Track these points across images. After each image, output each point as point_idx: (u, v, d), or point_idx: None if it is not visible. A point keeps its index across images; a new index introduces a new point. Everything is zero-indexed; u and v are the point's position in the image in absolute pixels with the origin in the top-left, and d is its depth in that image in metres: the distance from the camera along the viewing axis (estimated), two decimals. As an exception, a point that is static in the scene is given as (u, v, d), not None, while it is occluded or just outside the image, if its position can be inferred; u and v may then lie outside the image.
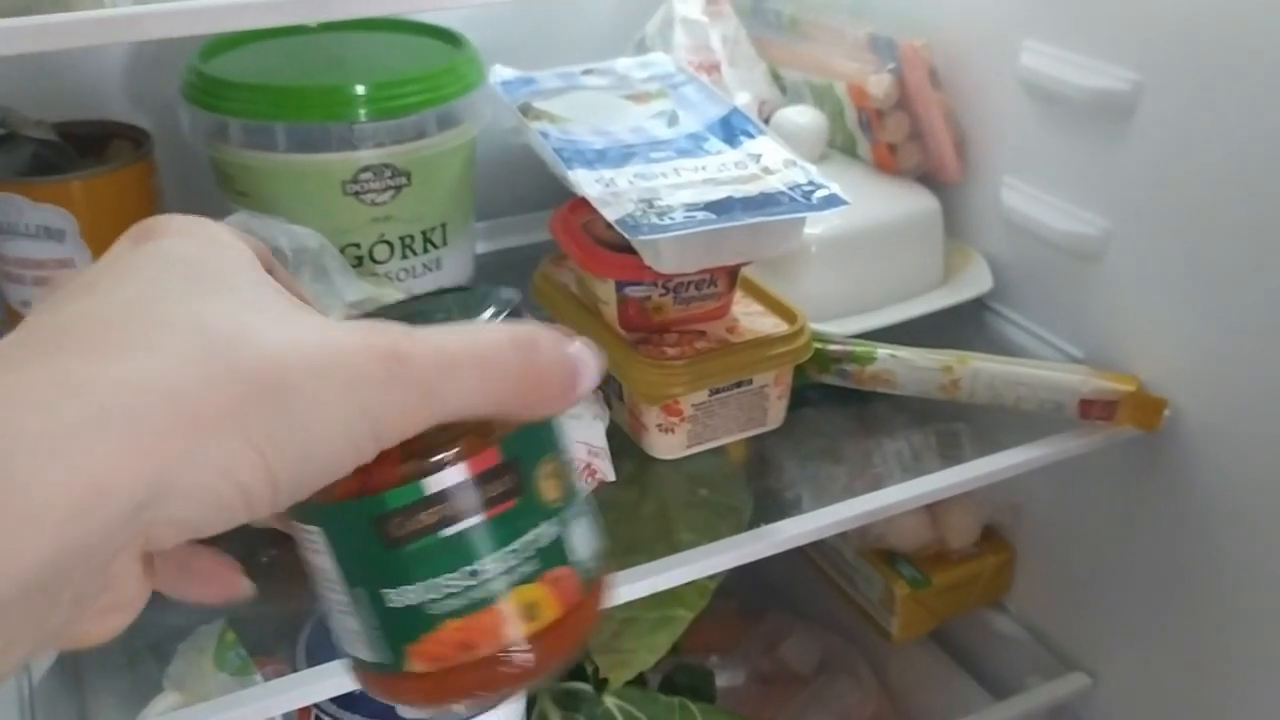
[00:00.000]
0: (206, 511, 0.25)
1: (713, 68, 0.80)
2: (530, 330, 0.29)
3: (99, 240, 0.64)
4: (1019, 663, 0.84)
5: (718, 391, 0.63)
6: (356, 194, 0.66)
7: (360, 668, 0.33)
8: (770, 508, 0.65)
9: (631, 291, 0.63)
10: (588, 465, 0.59)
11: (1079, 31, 0.69)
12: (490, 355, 0.28)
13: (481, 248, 0.81)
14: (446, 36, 0.74)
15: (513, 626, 0.32)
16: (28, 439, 0.22)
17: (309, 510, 0.31)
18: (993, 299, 0.79)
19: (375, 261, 0.68)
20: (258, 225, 0.57)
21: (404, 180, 0.66)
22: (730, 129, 0.68)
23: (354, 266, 0.66)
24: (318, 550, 0.32)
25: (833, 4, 0.85)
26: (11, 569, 0.22)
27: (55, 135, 0.67)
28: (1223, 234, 0.63)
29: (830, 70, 0.80)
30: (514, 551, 0.32)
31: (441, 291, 0.38)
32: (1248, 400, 0.64)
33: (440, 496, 0.31)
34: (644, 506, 0.65)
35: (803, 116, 0.79)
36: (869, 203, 0.76)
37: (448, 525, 0.31)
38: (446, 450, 0.31)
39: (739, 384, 0.63)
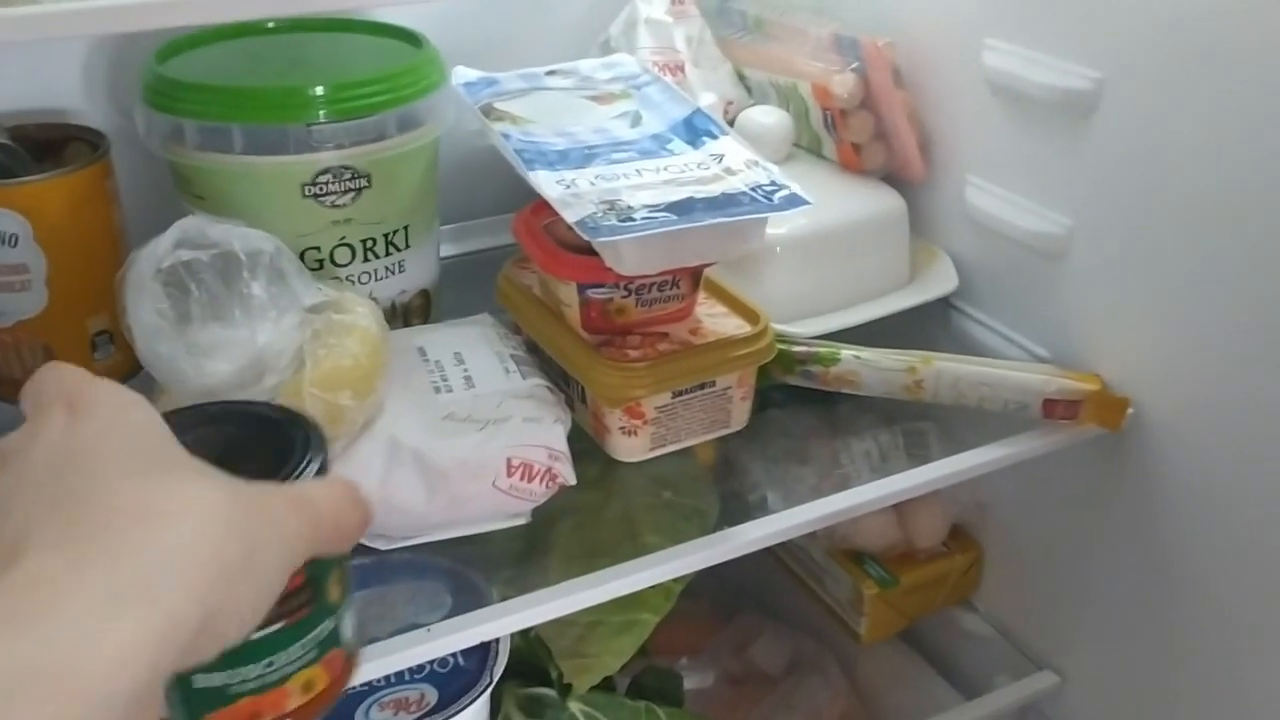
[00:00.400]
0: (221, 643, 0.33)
1: (677, 68, 0.80)
2: (348, 487, 0.38)
3: (54, 245, 0.63)
4: (988, 662, 0.84)
5: (681, 394, 0.62)
6: (316, 196, 0.65)
7: None
8: (737, 509, 0.65)
9: (593, 294, 0.62)
10: (548, 469, 0.58)
11: (1041, 30, 0.69)
12: (329, 514, 0.37)
13: (446, 250, 0.80)
14: (407, 37, 0.73)
15: (293, 699, 0.42)
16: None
17: None
18: (958, 298, 0.79)
19: (336, 265, 0.67)
20: (212, 229, 0.56)
21: (364, 182, 0.66)
22: (693, 130, 0.67)
23: (314, 270, 0.65)
24: None
25: (796, 4, 0.85)
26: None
27: (9, 139, 0.66)
28: (1185, 232, 0.63)
29: (795, 70, 0.79)
30: (303, 644, 0.41)
31: (247, 407, 0.46)
32: (1210, 398, 0.64)
33: None
34: (608, 509, 0.65)
35: (768, 116, 0.79)
36: (834, 202, 0.76)
37: (257, 630, 0.38)
38: None
39: (702, 386, 0.63)
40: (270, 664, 0.41)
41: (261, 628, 0.38)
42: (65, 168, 0.64)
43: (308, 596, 0.41)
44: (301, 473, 0.41)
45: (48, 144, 0.68)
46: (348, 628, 0.43)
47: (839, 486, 0.66)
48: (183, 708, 0.41)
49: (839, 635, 0.85)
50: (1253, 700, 0.67)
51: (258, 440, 0.43)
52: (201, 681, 0.40)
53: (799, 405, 0.74)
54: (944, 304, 0.79)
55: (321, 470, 0.41)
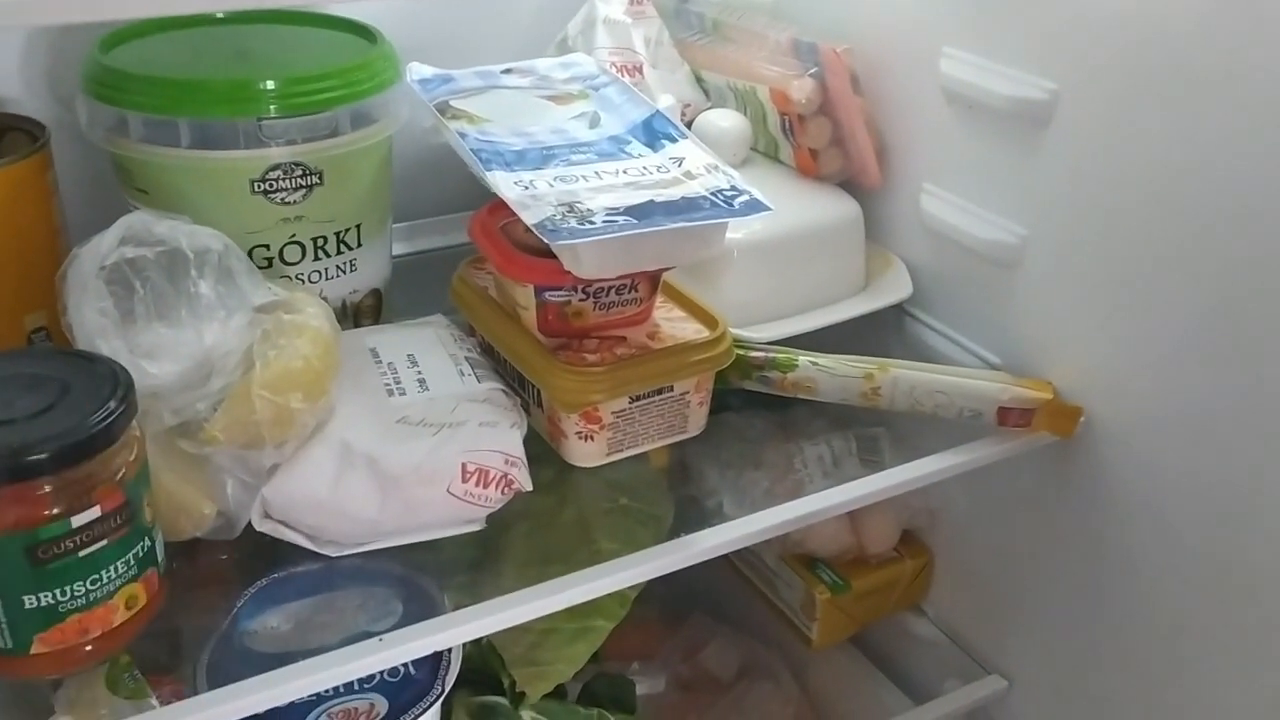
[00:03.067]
0: None
1: (635, 69, 0.79)
2: None
3: (-11, 238, 0.61)
4: (936, 666, 0.84)
5: (638, 399, 0.62)
6: (266, 193, 0.63)
7: None
8: (692, 515, 0.64)
9: (551, 296, 0.61)
10: (504, 475, 0.57)
11: (998, 40, 0.70)
12: None
13: (398, 249, 0.79)
14: (360, 31, 0.71)
15: (119, 614, 0.48)
16: None
17: None
18: (912, 304, 0.79)
19: (286, 263, 0.66)
20: (158, 225, 0.54)
21: (316, 179, 0.64)
22: (652, 132, 0.67)
23: (263, 268, 0.63)
24: None
25: (754, 8, 0.85)
26: None
27: (-59, 127, 0.63)
28: (1136, 242, 0.64)
29: (753, 74, 0.79)
30: (125, 561, 0.47)
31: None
32: (1158, 407, 0.65)
33: (83, 529, 0.45)
34: (563, 514, 0.64)
35: (726, 120, 0.79)
36: (791, 207, 0.76)
37: (84, 548, 0.45)
38: (88, 496, 0.45)
39: (660, 391, 0.63)
40: (96, 580, 0.46)
41: (86, 546, 0.45)
42: (4, 158, 0.62)
43: (127, 516, 0.47)
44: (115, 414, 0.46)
45: (-18, 133, 0.66)
46: (160, 549, 0.50)
47: (793, 491, 0.66)
48: (11, 630, 0.46)
49: (790, 640, 0.85)
50: (1196, 703, 0.68)
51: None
52: (30, 602, 0.45)
53: (753, 409, 0.74)
54: (898, 310, 0.79)
55: (129, 407, 0.47)
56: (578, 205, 0.57)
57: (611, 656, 0.82)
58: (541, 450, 0.63)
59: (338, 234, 0.67)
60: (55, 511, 0.45)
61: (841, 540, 0.82)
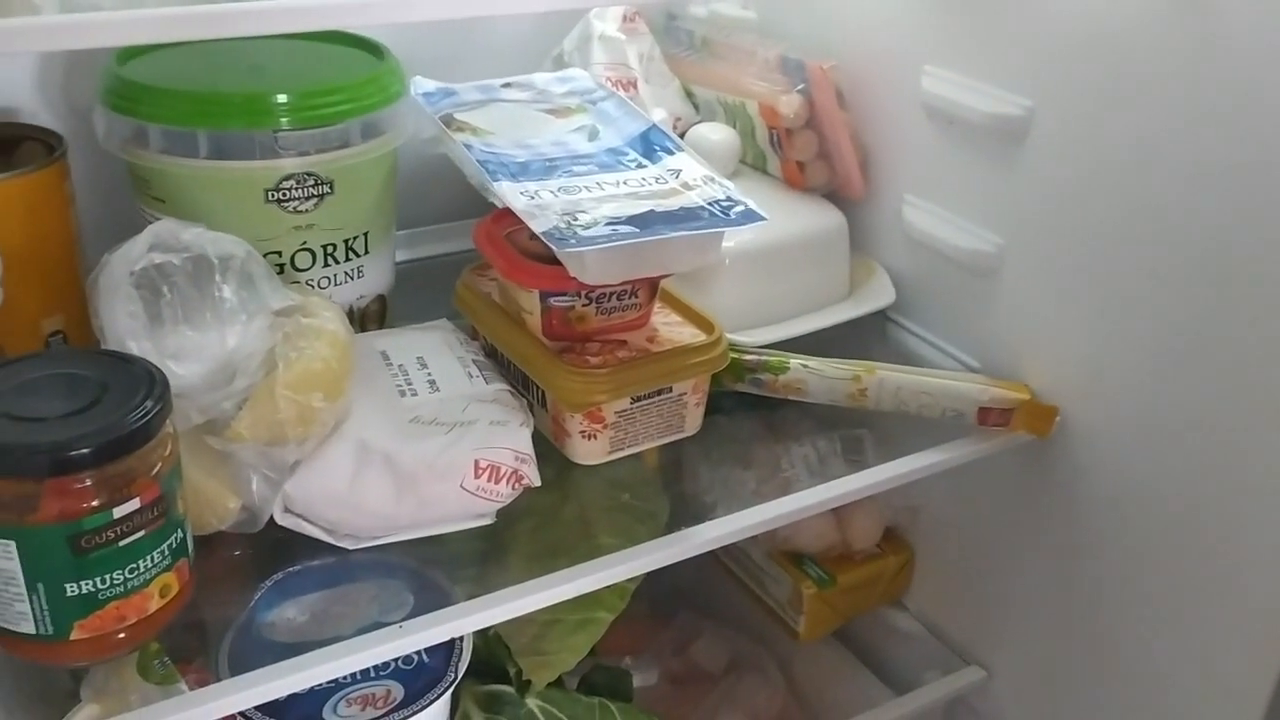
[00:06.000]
0: None
1: (630, 84, 0.82)
2: None
3: (10, 245, 0.62)
4: (918, 658, 0.88)
5: (639, 399, 0.65)
6: (279, 202, 0.66)
7: (15, 638, 0.49)
8: (685, 512, 0.67)
9: (556, 302, 0.64)
10: (515, 471, 0.60)
11: (977, 59, 0.73)
12: None
13: (399, 256, 0.81)
14: (366, 45, 0.74)
15: (153, 602, 0.51)
16: None
17: (2, 529, 0.46)
18: (894, 311, 0.83)
19: (297, 270, 0.68)
20: (184, 232, 0.57)
21: (327, 189, 0.66)
22: (649, 144, 0.70)
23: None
24: (5, 557, 0.47)
25: (742, 25, 0.88)
26: None
27: (-36, 138, 0.65)
28: (1110, 251, 0.68)
29: (742, 89, 0.82)
30: (160, 551, 0.50)
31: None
32: (1131, 407, 0.69)
33: (123, 520, 0.48)
34: (565, 511, 0.67)
35: (716, 133, 0.82)
36: (779, 218, 0.78)
37: (124, 538, 0.48)
38: (128, 489, 0.48)
39: (660, 391, 0.65)
40: (134, 568, 0.49)
41: (126, 536, 0.48)
42: (24, 168, 0.64)
43: (163, 508, 0.50)
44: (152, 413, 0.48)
45: (-1, 143, 0.68)
46: (189, 541, 0.53)
47: (780, 490, 0.69)
48: (52, 617, 0.48)
49: (777, 634, 0.88)
50: (1170, 693, 0.71)
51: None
52: (72, 590, 0.48)
53: (742, 411, 0.76)
54: (881, 316, 0.83)
55: (165, 405, 0.49)
56: (581, 215, 0.60)
57: (605, 651, 0.84)
58: (543, 449, 0.66)
59: (346, 241, 0.69)
60: (97, 503, 0.47)
61: (827, 537, 0.85)
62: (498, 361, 0.69)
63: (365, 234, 0.70)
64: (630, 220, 0.60)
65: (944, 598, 0.87)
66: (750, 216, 0.62)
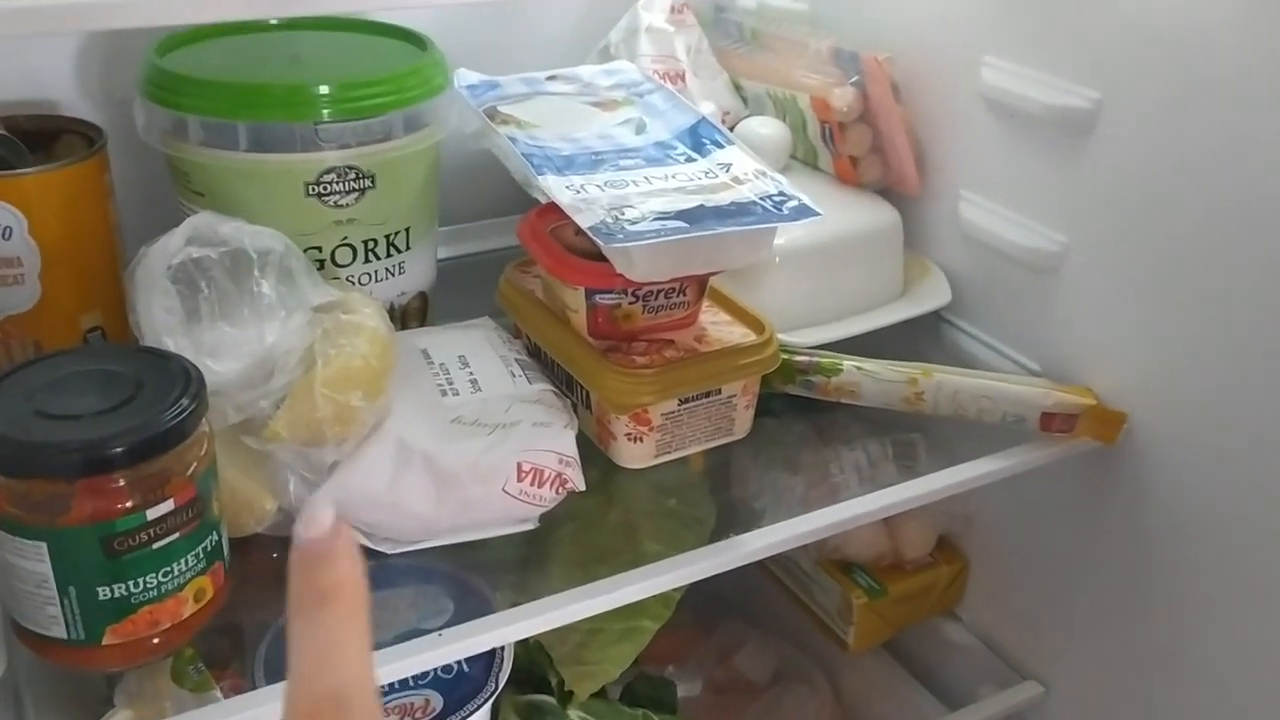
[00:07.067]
0: None
1: (678, 76, 0.80)
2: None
3: (49, 239, 0.62)
4: (972, 672, 0.85)
5: (687, 401, 0.63)
6: (319, 195, 0.64)
7: (46, 642, 0.48)
8: (731, 518, 0.65)
9: (601, 299, 0.62)
10: (559, 475, 0.58)
11: (1040, 49, 0.71)
12: None
13: (440, 253, 0.80)
14: (408, 37, 0.72)
15: (188, 606, 0.49)
16: None
17: (34, 530, 0.45)
18: (949, 311, 0.80)
19: (337, 265, 0.66)
20: (222, 226, 0.55)
21: (369, 183, 0.65)
22: (698, 138, 0.68)
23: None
24: (37, 559, 0.45)
25: (792, 17, 0.86)
26: None
27: (5, 130, 0.64)
28: (1177, 249, 0.65)
29: (793, 82, 0.80)
30: (195, 554, 0.48)
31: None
32: (1201, 412, 0.66)
33: (156, 521, 0.46)
34: (609, 515, 0.65)
35: (766, 127, 0.80)
36: (831, 214, 0.75)
37: (158, 540, 0.46)
38: (162, 489, 0.46)
39: (708, 393, 0.63)
40: (168, 572, 0.47)
41: (160, 539, 0.46)
42: (64, 160, 0.63)
43: (198, 510, 0.48)
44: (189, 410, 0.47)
45: (38, 135, 0.67)
46: (225, 543, 0.51)
47: (830, 495, 0.67)
48: (84, 622, 0.47)
49: (825, 645, 0.86)
50: (1239, 715, 0.68)
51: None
52: (104, 593, 0.46)
53: (790, 413, 0.74)
54: (935, 317, 0.80)
55: (200, 403, 0.47)
56: (628, 209, 0.58)
57: (647, 659, 0.82)
58: (587, 451, 0.64)
59: (388, 237, 0.68)
60: (131, 504, 0.46)
61: (878, 545, 0.82)
62: (541, 361, 0.67)
63: (407, 229, 0.69)
64: (679, 215, 0.58)
65: (999, 609, 0.84)
66: (804, 212, 0.59)
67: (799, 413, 0.74)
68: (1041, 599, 0.80)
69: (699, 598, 0.90)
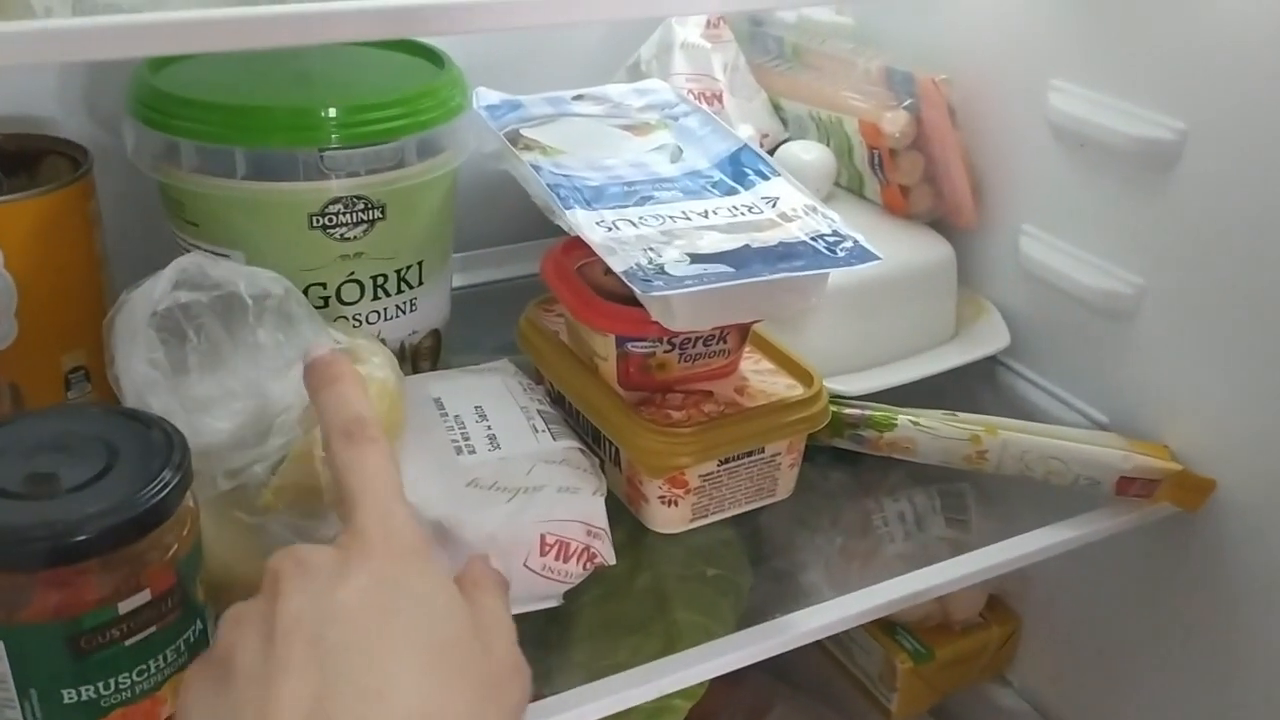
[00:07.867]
0: None
1: (715, 97, 0.74)
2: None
3: (27, 272, 0.56)
4: (1021, 741, 0.79)
5: (727, 461, 0.57)
6: (324, 228, 0.58)
7: None
8: (768, 580, 0.60)
9: (634, 348, 0.56)
10: (586, 548, 0.52)
11: (1117, 73, 0.64)
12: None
13: (453, 281, 0.74)
14: (425, 52, 0.67)
15: (166, 707, 0.43)
16: None
17: None
18: (1007, 355, 0.74)
19: (343, 303, 0.61)
20: (214, 268, 0.49)
21: (378, 214, 0.59)
22: (740, 167, 0.62)
23: (319, 309, 0.58)
24: None
25: (837, 31, 0.80)
26: None
27: (-17, 151, 0.59)
28: (1269, 296, 0.59)
29: (839, 104, 0.74)
30: (174, 649, 0.43)
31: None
32: (1293, 479, 0.60)
33: (130, 615, 0.41)
34: (637, 580, 0.59)
35: (809, 153, 0.74)
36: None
37: (131, 636, 0.41)
38: (137, 578, 0.40)
39: (750, 453, 0.57)
40: (143, 671, 0.41)
41: (134, 634, 0.41)
42: (42, 187, 0.57)
43: (179, 598, 0.42)
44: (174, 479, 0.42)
45: (19, 157, 0.61)
46: (210, 630, 0.45)
47: (873, 549, 0.62)
48: None
49: (865, 709, 0.80)
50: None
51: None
52: (70, 697, 0.40)
53: (826, 459, 0.68)
54: (992, 361, 0.74)
55: (184, 476, 0.42)
56: (666, 250, 0.52)
57: None
58: (613, 507, 0.58)
59: (398, 272, 0.62)
60: (101, 596, 0.40)
61: (925, 605, 0.76)
62: (564, 409, 0.61)
63: (419, 263, 0.63)
64: (723, 258, 0.52)
65: (1053, 675, 0.78)
66: (862, 255, 0.53)
67: (838, 459, 0.68)
68: (1099, 666, 0.74)
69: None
